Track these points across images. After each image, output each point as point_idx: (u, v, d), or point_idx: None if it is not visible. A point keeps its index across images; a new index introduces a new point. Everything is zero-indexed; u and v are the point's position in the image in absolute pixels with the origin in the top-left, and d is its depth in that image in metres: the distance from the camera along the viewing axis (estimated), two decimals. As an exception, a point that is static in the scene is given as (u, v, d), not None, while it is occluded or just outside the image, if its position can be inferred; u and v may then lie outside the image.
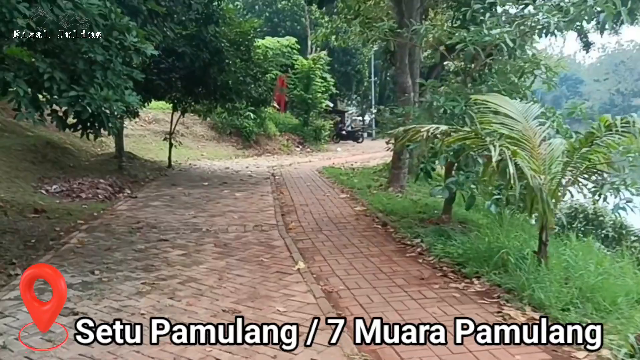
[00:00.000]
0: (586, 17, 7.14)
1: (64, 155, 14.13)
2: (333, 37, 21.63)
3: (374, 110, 51.52)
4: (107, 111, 6.16)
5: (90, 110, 5.90)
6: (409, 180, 12.78)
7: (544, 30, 7.21)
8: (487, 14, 8.72)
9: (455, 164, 7.43)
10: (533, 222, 9.75)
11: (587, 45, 17.87)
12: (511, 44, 7.03)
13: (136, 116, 16.40)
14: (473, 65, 8.77)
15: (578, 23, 7.21)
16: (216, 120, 24.81)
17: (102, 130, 6.36)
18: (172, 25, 9.24)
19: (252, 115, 24.94)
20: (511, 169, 4.92)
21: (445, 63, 20.62)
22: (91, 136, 6.67)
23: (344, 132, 38.15)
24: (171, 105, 16.71)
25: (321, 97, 30.67)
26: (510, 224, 8.56)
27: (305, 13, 35.75)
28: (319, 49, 33.27)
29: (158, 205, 10.40)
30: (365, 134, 40.47)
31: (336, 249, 6.99)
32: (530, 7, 7.73)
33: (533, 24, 7.26)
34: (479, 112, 6.06)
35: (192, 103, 16.41)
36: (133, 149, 19.20)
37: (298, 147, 28.82)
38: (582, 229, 10.17)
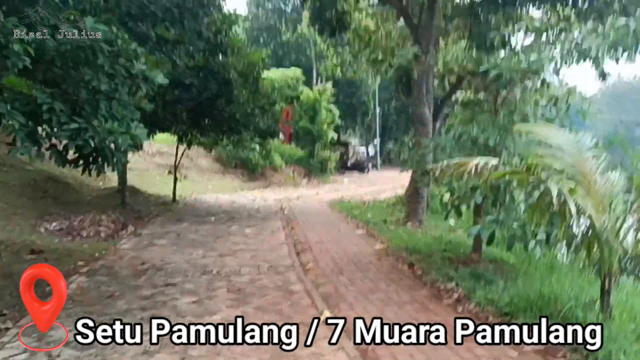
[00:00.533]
0: (628, 42, 6.67)
1: (65, 191, 13.56)
2: (341, 68, 21.38)
3: (376, 142, 51.30)
4: (112, 145, 5.61)
5: (93, 145, 5.36)
6: (427, 215, 12.16)
7: (583, 56, 6.71)
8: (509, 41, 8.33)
9: (488, 202, 6.83)
10: (565, 260, 9.11)
11: (603, 75, 17.41)
12: (550, 71, 6.52)
13: (140, 149, 15.91)
14: (495, 96, 8.31)
15: (620, 48, 6.72)
16: (221, 153, 24.32)
17: (105, 166, 5.77)
18: (182, 54, 8.75)
19: (257, 147, 24.46)
20: (572, 208, 4.31)
21: (455, 95, 20.34)
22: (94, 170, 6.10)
23: (349, 164, 37.69)
24: (176, 137, 16.22)
25: (327, 129, 30.26)
26: (547, 266, 7.95)
27: (311, 45, 35.66)
28: (324, 80, 33.02)
29: (164, 243, 9.76)
30: (370, 165, 39.98)
31: (362, 295, 6.32)
32: (575, 32, 7.23)
33: (572, 49, 6.74)
34: (523, 144, 5.48)
35: (199, 135, 15.90)
36: (136, 183, 18.63)
37: (304, 178, 28.27)
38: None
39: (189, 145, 16.39)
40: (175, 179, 16.56)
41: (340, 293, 6.42)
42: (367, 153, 52.19)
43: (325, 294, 6.34)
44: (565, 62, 9.00)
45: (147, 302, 6.04)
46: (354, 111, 39.23)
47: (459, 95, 21.14)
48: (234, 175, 24.40)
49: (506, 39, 13.22)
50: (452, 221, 15.37)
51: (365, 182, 30.24)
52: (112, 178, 16.39)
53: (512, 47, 13.36)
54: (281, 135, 27.83)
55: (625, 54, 13.34)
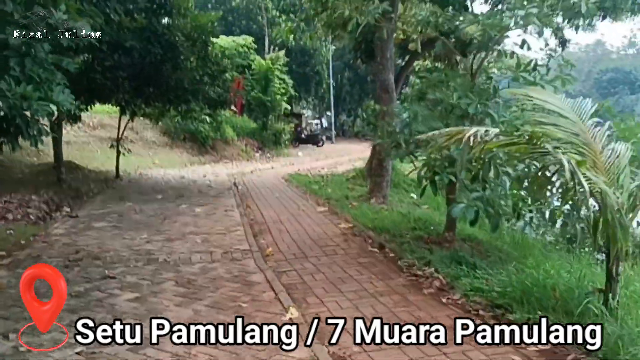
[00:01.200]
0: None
1: (-9, 167, 12.14)
2: (292, 36, 20.31)
3: (330, 114, 50.38)
4: (27, 113, 4.55)
5: (1, 113, 4.28)
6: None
7: (575, 12, 6.05)
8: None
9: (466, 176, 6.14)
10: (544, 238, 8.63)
11: (563, 43, 17.11)
12: (539, 25, 5.83)
13: (77, 121, 14.53)
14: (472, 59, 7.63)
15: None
16: (169, 125, 22.92)
17: (19, 139, 4.70)
18: (117, 7, 7.57)
19: (208, 119, 23.17)
20: (584, 183, 3.64)
21: (415, 63, 19.67)
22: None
23: (303, 136, 36.70)
24: (118, 108, 14.88)
25: (280, 100, 29.11)
26: (522, 246, 7.42)
27: (262, 11, 34.12)
28: (277, 48, 31.74)
29: (103, 226, 8.68)
30: (324, 137, 39.12)
31: (332, 285, 5.55)
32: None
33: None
34: (518, 110, 4.78)
35: (143, 105, 14.61)
36: (76, 158, 17.19)
37: (257, 152, 27.20)
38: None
39: (132, 117, 15.10)
40: (118, 154, 15.28)
41: (307, 283, 5.63)
42: (321, 125, 51.35)
43: (289, 286, 5.53)
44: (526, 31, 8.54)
45: (79, 302, 5.08)
46: (307, 81, 38.06)
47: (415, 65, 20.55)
48: (183, 149, 23.06)
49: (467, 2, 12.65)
50: (414, 195, 14.90)
51: (321, 155, 29.45)
52: (48, 153, 14.94)
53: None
54: (232, 107, 26.60)
55: (587, 21, 12.96)
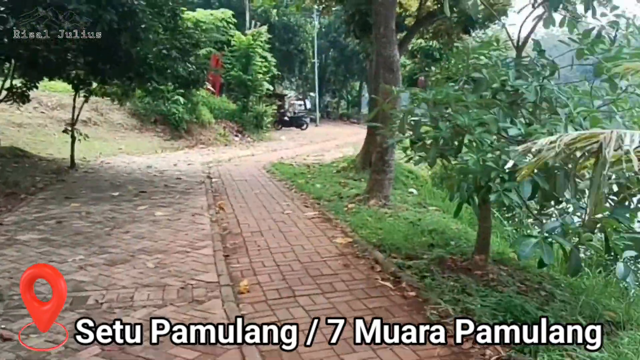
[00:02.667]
0: None
1: None
2: (275, 4, 18.15)
3: (314, 95, 48.24)
4: None
5: None
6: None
7: None
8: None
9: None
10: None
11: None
12: None
13: (26, 100, 12.42)
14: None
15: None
16: (138, 106, 20.76)
17: None
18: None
19: (181, 99, 21.05)
20: None
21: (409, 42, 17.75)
22: None
23: (286, 118, 34.70)
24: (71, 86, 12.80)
25: (262, 79, 26.95)
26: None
27: (242, -17, 31.74)
28: (258, 24, 29.49)
29: (30, 240, 6.71)
30: (308, 120, 37.12)
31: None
32: None
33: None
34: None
35: (100, 83, 12.54)
36: (28, 143, 15.16)
37: (237, 136, 25.12)
38: None
39: (87, 97, 13.01)
40: (73, 140, 13.18)
41: (301, 356, 3.77)
42: (305, 106, 49.37)
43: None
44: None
45: None
46: (291, 60, 35.93)
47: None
48: (154, 133, 20.89)
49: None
50: (413, 191, 13.09)
51: (305, 139, 27.55)
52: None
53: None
54: (209, 86, 24.46)
55: None
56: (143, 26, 10.45)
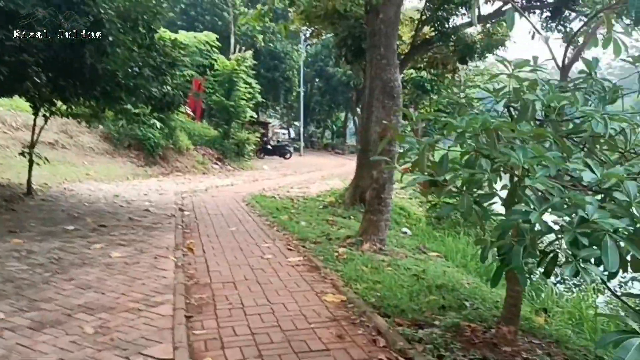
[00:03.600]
0: None
1: None
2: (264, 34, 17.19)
3: (299, 124, 47.31)
4: None
5: None
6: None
7: None
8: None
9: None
10: None
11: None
12: None
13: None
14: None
15: None
16: (111, 129, 19.45)
17: None
18: None
19: (158, 124, 19.81)
20: None
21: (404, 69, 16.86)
22: None
23: (269, 147, 33.60)
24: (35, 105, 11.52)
25: (245, 105, 25.83)
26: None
27: (229, 7, 30.87)
28: (243, 48, 28.55)
29: (-56, 289, 5.37)
30: (292, 149, 36.05)
31: None
32: None
33: None
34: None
35: (63, 102, 11.28)
36: (-17, 166, 13.72)
37: (216, 164, 23.83)
38: None
39: (46, 117, 11.74)
40: (31, 163, 11.83)
41: None
42: (289, 135, 48.45)
43: None
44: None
45: None
46: (276, 88, 34.98)
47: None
48: (127, 158, 19.51)
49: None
50: (406, 230, 11.95)
51: (289, 169, 26.38)
52: None
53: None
54: (189, 111, 23.30)
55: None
56: (111, 39, 9.27)
